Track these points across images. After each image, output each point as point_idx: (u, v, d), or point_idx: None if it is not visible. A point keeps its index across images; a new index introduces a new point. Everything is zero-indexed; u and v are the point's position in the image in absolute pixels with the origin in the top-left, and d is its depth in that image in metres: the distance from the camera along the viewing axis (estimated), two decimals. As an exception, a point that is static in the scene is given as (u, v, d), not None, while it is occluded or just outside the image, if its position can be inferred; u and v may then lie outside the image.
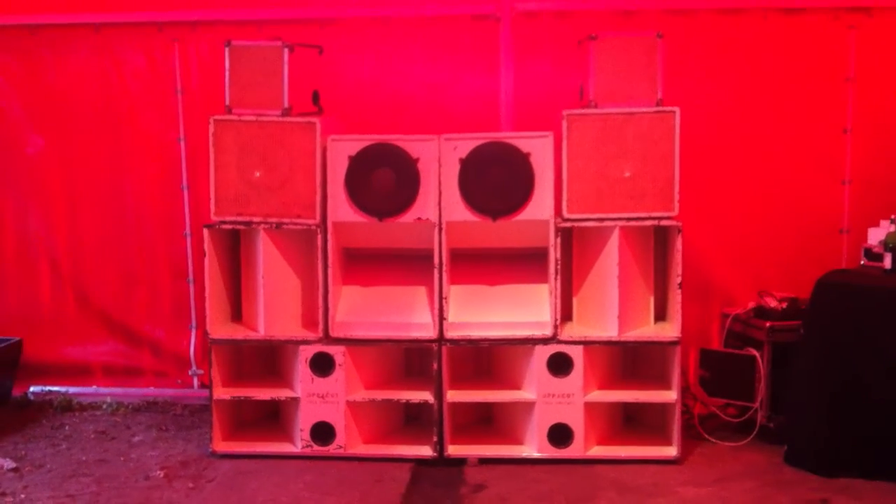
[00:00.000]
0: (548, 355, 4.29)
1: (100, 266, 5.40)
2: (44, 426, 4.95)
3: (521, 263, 4.52)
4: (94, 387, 5.41)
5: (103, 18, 5.14)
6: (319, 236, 4.36)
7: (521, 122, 4.90)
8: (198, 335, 5.34)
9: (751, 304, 4.73)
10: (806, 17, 4.87)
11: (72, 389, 5.38)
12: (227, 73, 4.35)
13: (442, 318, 4.33)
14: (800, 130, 4.91)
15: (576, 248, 4.45)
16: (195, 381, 5.36)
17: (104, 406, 5.24)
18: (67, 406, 5.25)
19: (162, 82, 5.19)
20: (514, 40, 4.95)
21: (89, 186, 5.34)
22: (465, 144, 4.27)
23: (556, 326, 4.29)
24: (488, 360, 4.65)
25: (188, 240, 5.29)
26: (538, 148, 4.24)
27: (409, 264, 4.56)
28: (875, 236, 4.36)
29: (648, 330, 4.41)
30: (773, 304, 4.63)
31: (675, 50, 4.54)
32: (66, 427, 4.93)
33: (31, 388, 5.40)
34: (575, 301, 4.50)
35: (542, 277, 4.43)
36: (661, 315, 4.51)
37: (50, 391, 5.39)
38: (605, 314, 4.32)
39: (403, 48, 5.02)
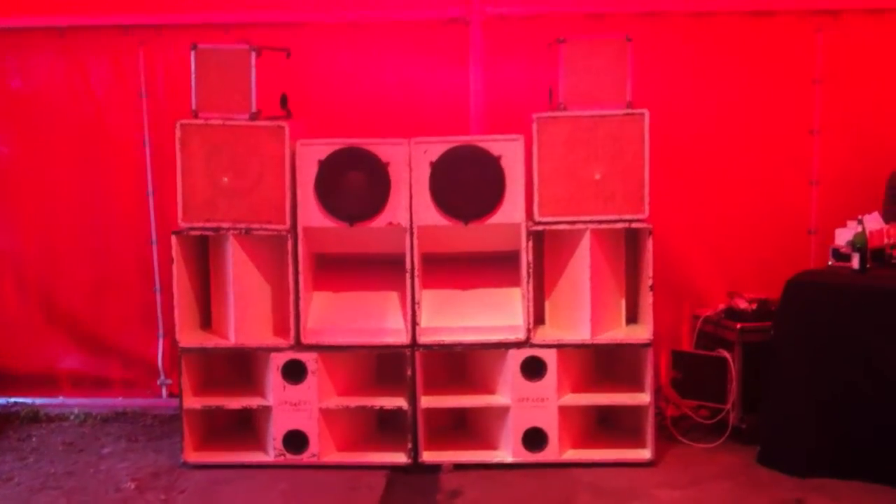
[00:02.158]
0: (521, 359, 4.28)
1: (67, 273, 5.31)
2: (10, 438, 4.85)
3: (493, 267, 4.51)
4: (62, 397, 5.31)
5: (68, 21, 5.04)
6: (290, 242, 4.31)
7: (492, 126, 4.88)
8: (166, 344, 5.26)
9: (721, 306, 4.75)
10: (774, 19, 4.90)
11: (38, 400, 5.28)
12: (193, 77, 4.29)
13: (415, 324, 4.30)
14: (769, 131, 4.94)
15: (547, 250, 4.44)
16: (164, 391, 5.29)
17: (72, 417, 5.15)
18: (34, 417, 5.15)
19: (127, 86, 5.11)
20: (484, 44, 4.94)
21: (55, 192, 5.25)
22: (436, 148, 4.25)
23: (529, 330, 4.28)
24: (462, 364, 4.62)
25: (154, 247, 5.21)
26: (509, 151, 4.22)
27: (381, 269, 4.53)
28: (842, 237, 4.38)
29: (621, 332, 4.40)
30: (743, 305, 4.65)
31: (645, 53, 4.56)
32: (34, 439, 4.84)
33: (-4, 400, 5.33)
34: (547, 304, 4.49)
35: (514, 281, 4.41)
36: (632, 317, 4.51)
37: (16, 402, 5.28)
38: (577, 317, 4.31)
39: (373, 52, 4.98)
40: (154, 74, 5.09)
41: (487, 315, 4.37)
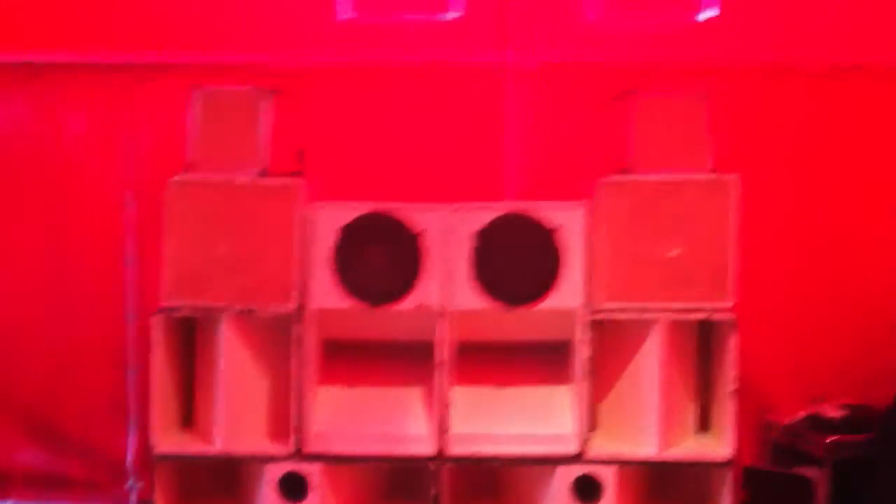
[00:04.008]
0: (572, 478, 3.50)
1: (22, 349, 4.48)
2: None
3: (535, 360, 3.75)
4: (12, 501, 4.45)
5: (40, 58, 4.32)
6: (296, 326, 3.55)
7: (531, 191, 4.20)
8: (138, 440, 4.44)
9: (802, 413, 4.03)
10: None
11: (-17, 504, 4.45)
12: (191, 125, 3.58)
13: (443, 430, 3.53)
14: (855, 209, 4.27)
15: (605, 343, 3.69)
16: (132, 497, 4.43)
17: (22, 527, 4.32)
18: (-24, 526, 4.31)
19: (108, 135, 4.37)
20: (524, 94, 4.27)
21: (15, 254, 4.46)
22: (480, 216, 3.53)
23: (582, 441, 3.51)
24: (493, 479, 3.79)
25: (129, 323, 4.43)
26: (568, 222, 3.50)
27: (401, 358, 3.75)
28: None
29: (691, 445, 3.63)
30: (832, 412, 3.93)
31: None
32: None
33: (-68, 504, 4.46)
34: (601, 408, 3.72)
35: (561, 377, 3.66)
36: (702, 423, 3.75)
37: (-45, 507, 4.44)
38: (640, 426, 3.55)
39: (396, 100, 4.30)
40: (140, 122, 4.36)
41: (530, 420, 3.60)
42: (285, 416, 3.61)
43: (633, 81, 3.90)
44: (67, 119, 4.42)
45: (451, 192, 3.91)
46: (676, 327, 3.56)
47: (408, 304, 3.54)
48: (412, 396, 3.68)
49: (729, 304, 3.50)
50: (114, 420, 4.46)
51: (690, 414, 3.71)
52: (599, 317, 3.52)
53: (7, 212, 4.43)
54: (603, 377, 3.68)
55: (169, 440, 3.64)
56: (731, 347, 3.50)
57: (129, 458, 4.44)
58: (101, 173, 4.40)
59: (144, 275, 4.36)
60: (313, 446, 3.54)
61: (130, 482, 4.42)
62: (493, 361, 3.73)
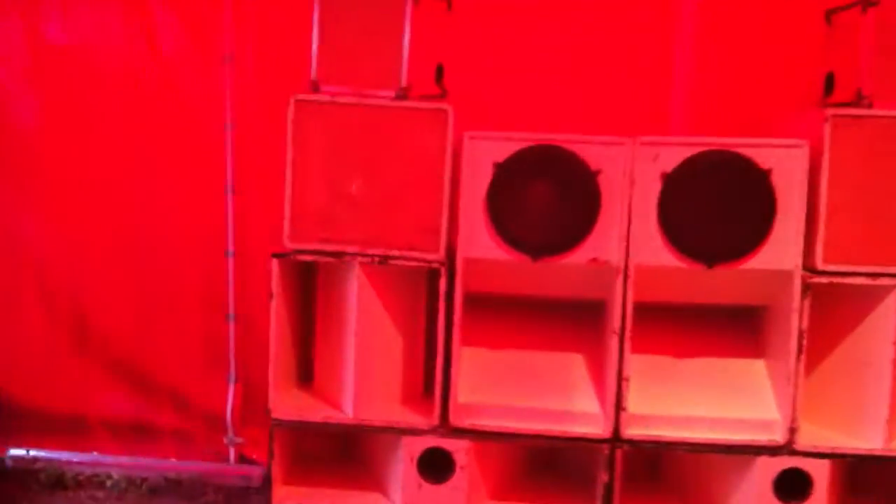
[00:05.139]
0: (776, 472, 2.90)
1: (106, 287, 3.95)
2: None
3: (722, 325, 3.14)
4: (95, 453, 3.97)
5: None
6: (443, 279, 2.96)
7: (703, 127, 3.51)
8: (238, 390, 3.93)
9: None
10: None
11: (66, 455, 3.95)
12: (315, 33, 2.94)
13: (620, 409, 2.94)
14: None
15: (815, 311, 3.04)
16: (232, 453, 3.95)
17: (109, 483, 3.83)
18: (58, 481, 3.83)
19: (205, 44, 3.72)
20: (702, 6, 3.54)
21: (98, 179, 3.88)
22: (672, 152, 2.86)
23: (791, 430, 2.90)
24: (673, 464, 3.24)
25: (230, 260, 3.87)
26: (784, 163, 2.81)
27: (557, 317, 3.17)
28: None
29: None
30: None
31: None
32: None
33: (10, 452, 3.98)
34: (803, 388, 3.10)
35: (754, 349, 3.06)
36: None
37: (36, 457, 3.95)
38: (858, 413, 2.92)
39: (543, 9, 3.58)
40: (245, 29, 3.71)
41: (721, 401, 2.99)
42: (416, 379, 3.15)
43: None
44: (159, 24, 3.77)
45: (615, 124, 3.28)
46: (910, 295, 2.90)
47: (578, 257, 2.92)
48: (575, 364, 3.10)
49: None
50: (211, 368, 3.94)
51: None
52: (822, 280, 2.86)
53: (91, 129, 3.82)
54: (808, 352, 3.05)
55: (288, 403, 3.12)
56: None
57: (229, 409, 3.95)
58: (199, 89, 3.76)
59: (248, 207, 3.81)
60: (461, 420, 2.98)
61: (229, 436, 3.93)
62: (668, 326, 3.12)
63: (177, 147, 3.79)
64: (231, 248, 3.85)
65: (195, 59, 3.77)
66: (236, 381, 3.93)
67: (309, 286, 3.27)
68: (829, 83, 2.95)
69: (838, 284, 2.86)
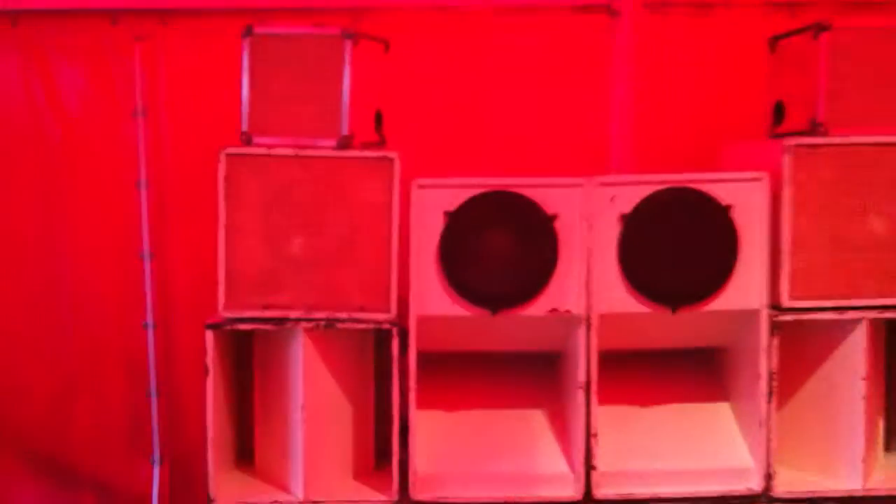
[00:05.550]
0: (758, 524, 2.78)
1: (18, 370, 3.62)
2: None
3: (686, 369, 3.01)
4: (14, 547, 3.62)
5: (26, 4, 3.42)
6: (395, 340, 2.75)
7: (645, 163, 3.42)
8: (164, 473, 3.62)
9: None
10: None
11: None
12: (245, 79, 2.71)
13: (590, 468, 2.77)
14: None
15: (781, 349, 2.93)
16: (159, 543, 3.63)
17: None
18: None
19: (115, 100, 3.48)
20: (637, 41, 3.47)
21: (3, 250, 3.58)
22: (629, 192, 2.73)
23: (768, 476, 2.78)
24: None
25: (149, 332, 3.57)
26: (744, 198, 2.72)
27: (513, 371, 3.00)
28: None
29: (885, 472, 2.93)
30: None
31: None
32: None
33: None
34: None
35: (719, 392, 2.94)
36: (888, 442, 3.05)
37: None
38: (833, 452, 2.82)
39: (481, 48, 3.46)
40: (157, 83, 3.47)
41: (691, 449, 2.85)
42: (367, 449, 2.93)
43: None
44: (63, 81, 3.49)
45: (556, 165, 3.20)
46: (877, 328, 2.83)
47: (537, 308, 2.75)
48: (531, 421, 2.91)
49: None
50: (133, 448, 3.64)
51: (879, 431, 3.00)
52: (788, 318, 2.76)
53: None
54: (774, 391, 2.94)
55: (230, 488, 2.83)
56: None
57: (155, 495, 3.63)
58: (109, 148, 3.51)
59: (168, 272, 3.54)
60: (422, 493, 2.76)
61: (156, 526, 3.61)
62: (637, 373, 2.97)
63: (88, 209, 3.51)
64: (150, 320, 3.57)
65: (103, 115, 3.51)
66: (161, 463, 3.62)
67: (244, 356, 3.01)
68: (779, 112, 2.89)
69: (805, 321, 2.77)
